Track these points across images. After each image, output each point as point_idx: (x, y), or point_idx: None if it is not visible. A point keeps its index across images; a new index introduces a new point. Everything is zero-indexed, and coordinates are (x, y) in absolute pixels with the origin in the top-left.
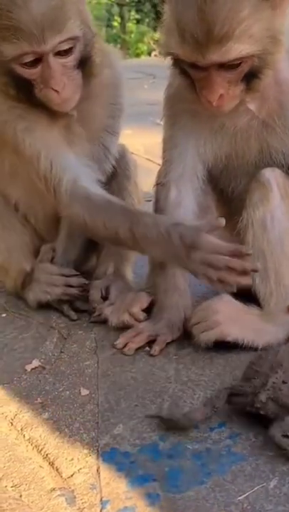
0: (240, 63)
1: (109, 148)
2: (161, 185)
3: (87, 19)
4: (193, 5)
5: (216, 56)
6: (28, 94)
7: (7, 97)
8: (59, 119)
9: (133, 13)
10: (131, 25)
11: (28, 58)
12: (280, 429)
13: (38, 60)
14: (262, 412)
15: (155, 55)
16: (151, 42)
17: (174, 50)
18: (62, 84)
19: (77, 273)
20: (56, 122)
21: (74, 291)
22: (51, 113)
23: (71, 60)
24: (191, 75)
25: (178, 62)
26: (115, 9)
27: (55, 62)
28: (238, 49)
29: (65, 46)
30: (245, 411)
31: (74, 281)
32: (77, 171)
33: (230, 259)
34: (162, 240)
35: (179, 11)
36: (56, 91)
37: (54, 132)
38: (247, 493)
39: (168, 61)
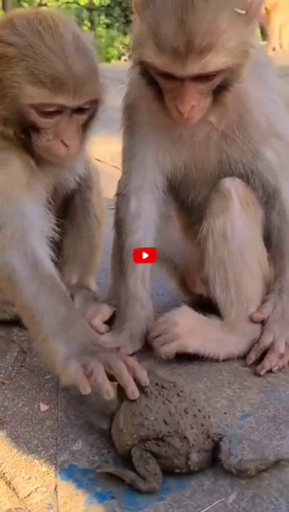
0: (215, 75)
1: (75, 169)
2: (121, 195)
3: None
4: (173, 15)
5: (196, 68)
6: (24, 139)
7: None
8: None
9: (103, 17)
10: (101, 30)
11: (51, 108)
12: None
13: (58, 112)
14: (196, 469)
15: (125, 60)
16: (121, 46)
17: (149, 59)
18: (75, 140)
19: None
20: (28, 161)
21: None
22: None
23: (85, 118)
24: (161, 86)
25: (148, 72)
26: (85, 14)
27: (73, 118)
28: (217, 61)
29: (87, 106)
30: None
31: None
32: (31, 223)
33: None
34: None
35: (156, 20)
36: (66, 146)
37: (28, 169)
38: (206, 509)
39: (134, 70)
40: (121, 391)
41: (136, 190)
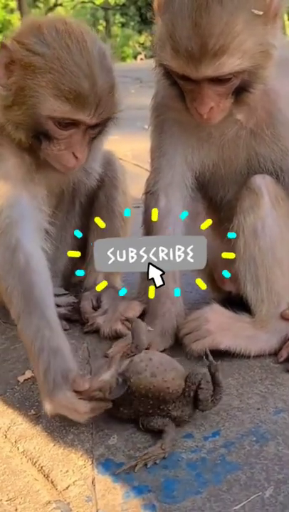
0: (232, 77)
1: (93, 168)
2: (150, 193)
3: None
4: (188, 18)
5: (209, 70)
6: (33, 145)
7: (2, 134)
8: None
9: (118, 16)
10: (116, 29)
11: (68, 121)
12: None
13: (74, 124)
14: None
15: (141, 59)
16: (137, 45)
17: (166, 61)
18: (84, 152)
19: (66, 292)
20: (29, 165)
21: (62, 310)
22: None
23: (97, 132)
24: (182, 87)
25: (169, 73)
26: (100, 13)
27: (87, 132)
28: (231, 64)
29: (104, 122)
30: None
31: (62, 300)
32: (21, 215)
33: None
34: (33, 352)
35: (172, 22)
36: (76, 157)
37: (24, 166)
38: (243, 503)
39: (158, 71)
40: None
41: (165, 188)
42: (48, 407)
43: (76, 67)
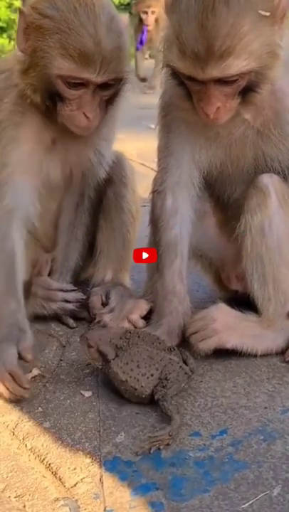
0: (238, 78)
1: (103, 154)
2: (157, 192)
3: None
4: (194, 19)
5: (215, 71)
6: (50, 108)
7: (25, 101)
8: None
9: None
10: None
11: (76, 80)
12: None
13: (83, 85)
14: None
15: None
16: None
17: (173, 62)
18: (96, 113)
19: (75, 288)
20: (48, 136)
21: (71, 306)
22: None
23: (108, 94)
24: (189, 87)
25: (176, 73)
26: None
27: (96, 93)
28: (238, 65)
29: (112, 82)
30: None
31: (71, 296)
32: (20, 203)
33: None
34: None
35: (179, 24)
36: (87, 117)
37: (40, 151)
38: (251, 501)
39: (165, 71)
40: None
41: (172, 187)
42: None
43: (81, 27)
